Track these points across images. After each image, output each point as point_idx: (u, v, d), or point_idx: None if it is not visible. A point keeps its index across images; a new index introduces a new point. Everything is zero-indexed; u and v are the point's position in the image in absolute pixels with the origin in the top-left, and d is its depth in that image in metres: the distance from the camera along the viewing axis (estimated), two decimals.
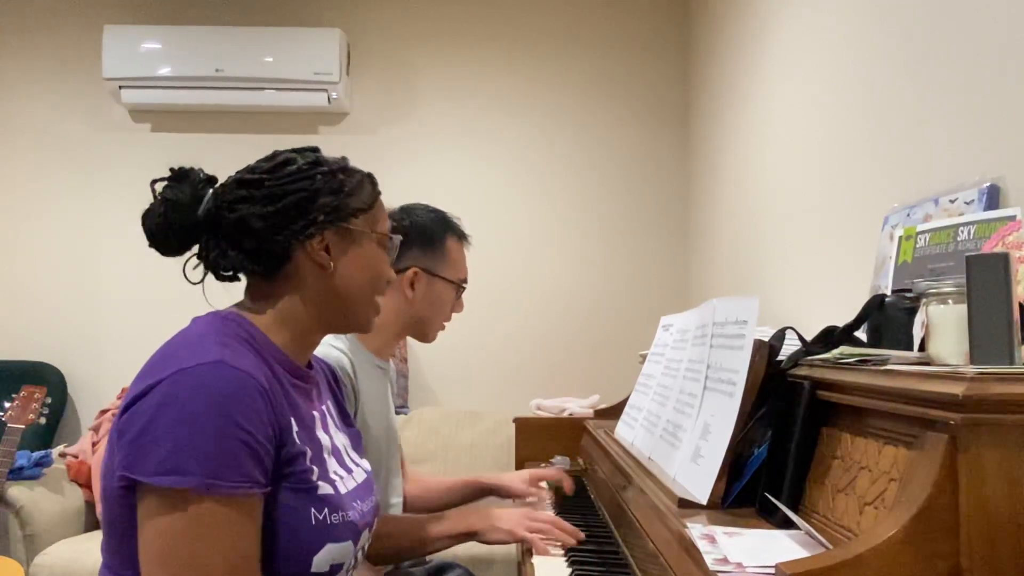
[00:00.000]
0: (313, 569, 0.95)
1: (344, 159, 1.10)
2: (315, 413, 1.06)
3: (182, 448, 0.85)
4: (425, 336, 1.61)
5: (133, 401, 0.89)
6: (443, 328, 1.63)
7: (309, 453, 0.98)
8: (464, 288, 1.62)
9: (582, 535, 1.40)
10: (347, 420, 1.21)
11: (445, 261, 1.57)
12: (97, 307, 3.37)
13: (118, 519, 0.91)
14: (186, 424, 0.85)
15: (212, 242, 1.02)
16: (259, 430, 0.89)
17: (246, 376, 0.90)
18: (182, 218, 1.01)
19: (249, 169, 1.05)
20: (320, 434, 1.05)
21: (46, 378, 3.13)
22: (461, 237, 1.61)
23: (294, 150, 1.08)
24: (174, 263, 1.07)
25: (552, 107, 3.42)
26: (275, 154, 1.06)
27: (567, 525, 1.41)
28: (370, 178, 1.12)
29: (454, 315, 1.64)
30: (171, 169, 1.04)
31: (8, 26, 3.42)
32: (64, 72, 3.41)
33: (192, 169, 1.04)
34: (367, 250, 1.09)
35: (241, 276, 1.06)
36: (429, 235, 1.55)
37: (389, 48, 3.44)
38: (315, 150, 1.09)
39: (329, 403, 1.15)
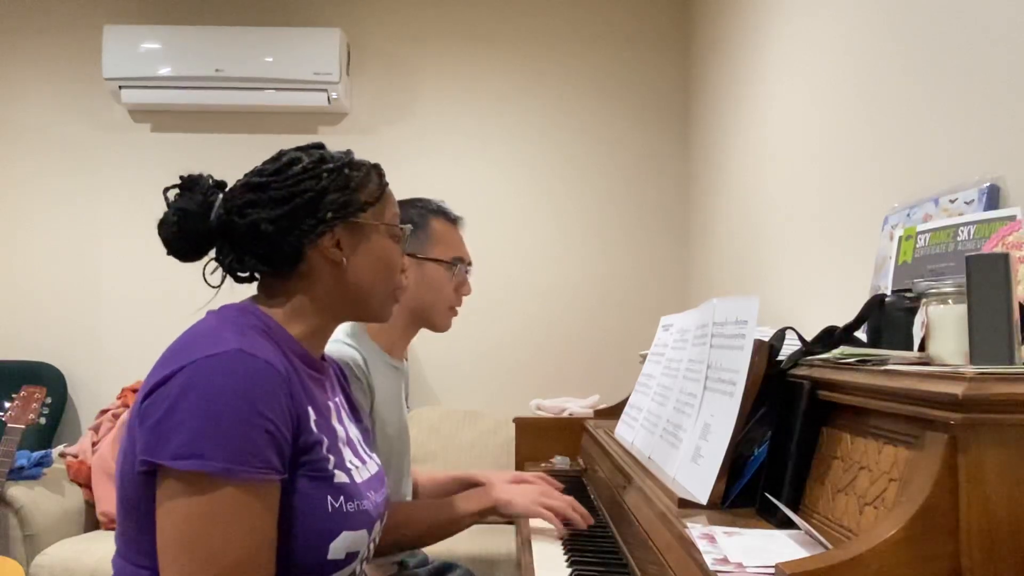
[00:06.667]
0: (329, 556, 0.96)
1: (349, 152, 1.11)
2: (330, 404, 1.08)
3: (203, 433, 0.86)
4: (434, 324, 1.60)
5: (154, 387, 0.90)
6: (455, 313, 1.61)
7: (326, 442, 1.00)
8: (457, 266, 1.59)
9: (592, 519, 1.44)
10: (357, 416, 1.22)
11: (432, 242, 1.57)
12: (97, 307, 3.36)
13: (136, 505, 0.91)
14: (207, 410, 0.87)
15: (226, 247, 1.04)
16: (278, 418, 0.91)
17: (266, 364, 0.91)
18: (194, 226, 1.03)
19: (256, 172, 1.06)
20: (336, 424, 1.06)
21: (46, 378, 3.13)
22: (448, 218, 1.61)
23: (299, 148, 1.09)
24: (173, 263, 1.07)
25: (552, 107, 3.42)
26: (280, 154, 1.07)
27: (581, 507, 1.45)
28: (376, 169, 1.13)
29: (466, 305, 1.62)
30: (180, 177, 1.06)
31: (8, 26, 3.42)
32: (64, 72, 3.41)
33: (201, 176, 1.06)
34: (378, 242, 1.10)
35: (258, 276, 1.08)
36: (411, 221, 1.55)
37: (389, 48, 3.44)
38: (320, 147, 1.10)
39: (341, 397, 1.17)
